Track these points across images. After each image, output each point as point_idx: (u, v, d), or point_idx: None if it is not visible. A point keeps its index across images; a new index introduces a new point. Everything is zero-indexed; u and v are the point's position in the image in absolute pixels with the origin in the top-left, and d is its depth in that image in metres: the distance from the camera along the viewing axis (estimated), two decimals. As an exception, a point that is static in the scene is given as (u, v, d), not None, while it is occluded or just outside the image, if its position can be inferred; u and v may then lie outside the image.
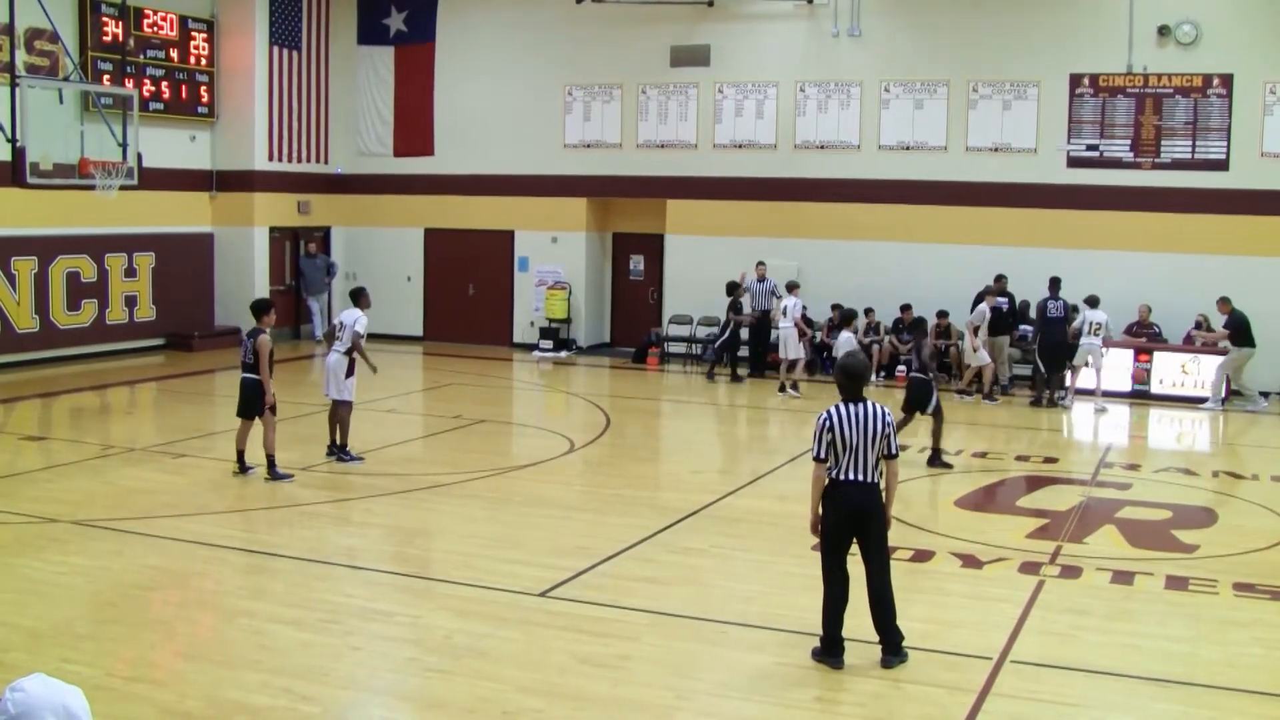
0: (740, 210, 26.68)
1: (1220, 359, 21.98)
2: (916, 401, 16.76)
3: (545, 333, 27.79)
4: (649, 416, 21.63)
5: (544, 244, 28.48)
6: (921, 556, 11.99)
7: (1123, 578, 11.51)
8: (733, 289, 24.22)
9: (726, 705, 8.37)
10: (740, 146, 26.82)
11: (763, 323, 24.23)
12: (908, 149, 25.58)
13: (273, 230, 28.42)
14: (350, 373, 15.79)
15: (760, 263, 24.40)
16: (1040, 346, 21.94)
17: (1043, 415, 21.10)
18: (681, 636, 9.68)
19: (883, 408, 9.06)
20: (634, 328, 28.33)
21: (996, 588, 11.19)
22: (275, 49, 27.84)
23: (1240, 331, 21.75)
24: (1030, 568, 11.73)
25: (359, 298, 16.32)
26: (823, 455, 8.95)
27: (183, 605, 10.45)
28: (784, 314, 22.89)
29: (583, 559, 11.58)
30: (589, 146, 28.03)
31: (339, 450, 15.88)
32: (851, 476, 8.90)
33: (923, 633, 9.37)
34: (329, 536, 12.59)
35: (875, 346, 24.21)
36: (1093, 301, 21.57)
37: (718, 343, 24.98)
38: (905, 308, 24.22)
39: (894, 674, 8.87)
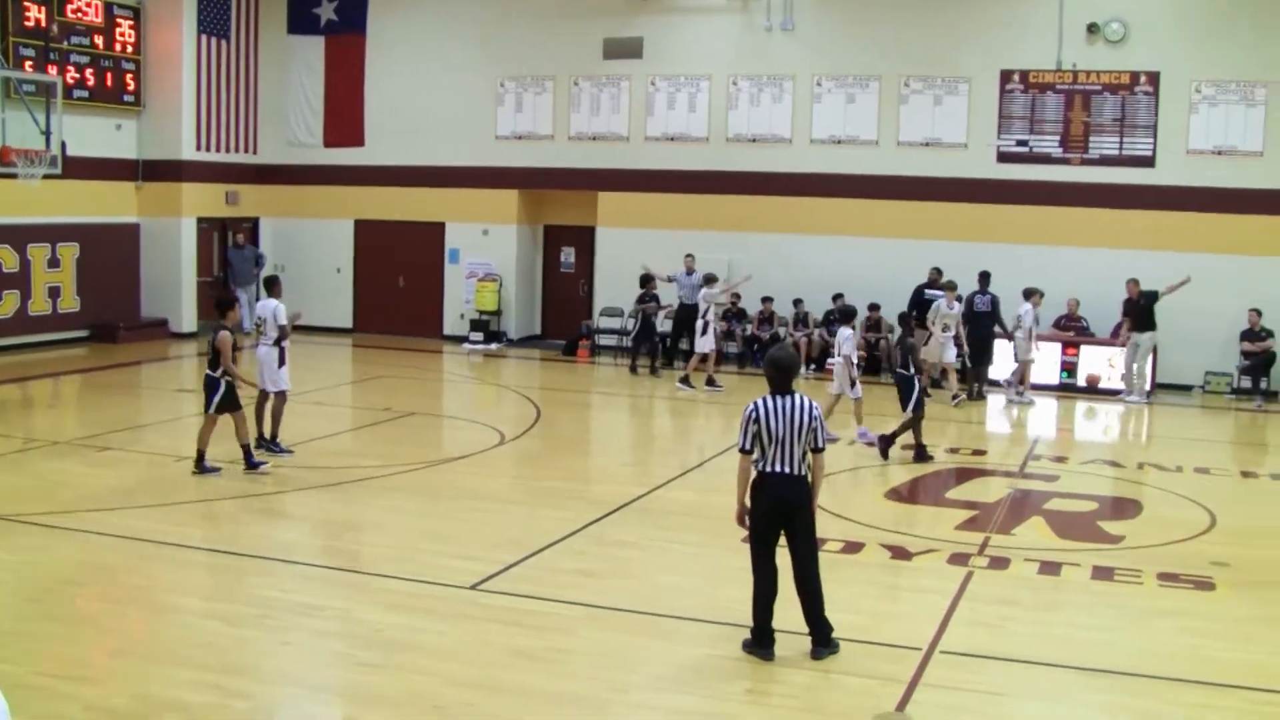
0: (672, 203, 26.72)
1: (1115, 349, 22.57)
2: (901, 399, 16.90)
3: (476, 325, 27.72)
4: (580, 409, 21.63)
5: (475, 236, 28.38)
6: (851, 548, 12.07)
7: (1050, 568, 11.65)
8: (645, 281, 24.13)
9: (660, 697, 8.40)
10: (672, 139, 26.86)
11: (690, 315, 24.17)
12: (839, 143, 25.72)
13: (200, 221, 28.14)
14: (282, 363, 15.76)
15: (689, 255, 24.40)
16: (967, 340, 22.08)
17: (972, 408, 21.30)
18: (614, 629, 9.70)
19: (810, 401, 9.09)
20: (565, 320, 28.33)
21: (926, 579, 11.29)
22: (203, 37, 27.55)
23: (1145, 315, 22.22)
24: (959, 559, 11.84)
25: (273, 286, 16.33)
26: (748, 447, 8.98)
27: (111, 601, 10.31)
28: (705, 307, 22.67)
29: (515, 552, 11.57)
30: (521, 138, 27.96)
31: (268, 442, 15.76)
32: (778, 469, 8.94)
33: (853, 624, 9.44)
34: (260, 531, 12.50)
35: (805, 339, 24.37)
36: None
37: (632, 336, 24.97)
38: (837, 297, 24.43)
39: (824, 665, 8.94)
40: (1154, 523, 13.81)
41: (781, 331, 25.04)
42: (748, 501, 9.15)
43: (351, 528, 13.02)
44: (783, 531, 9.08)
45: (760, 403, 8.97)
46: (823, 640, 9.07)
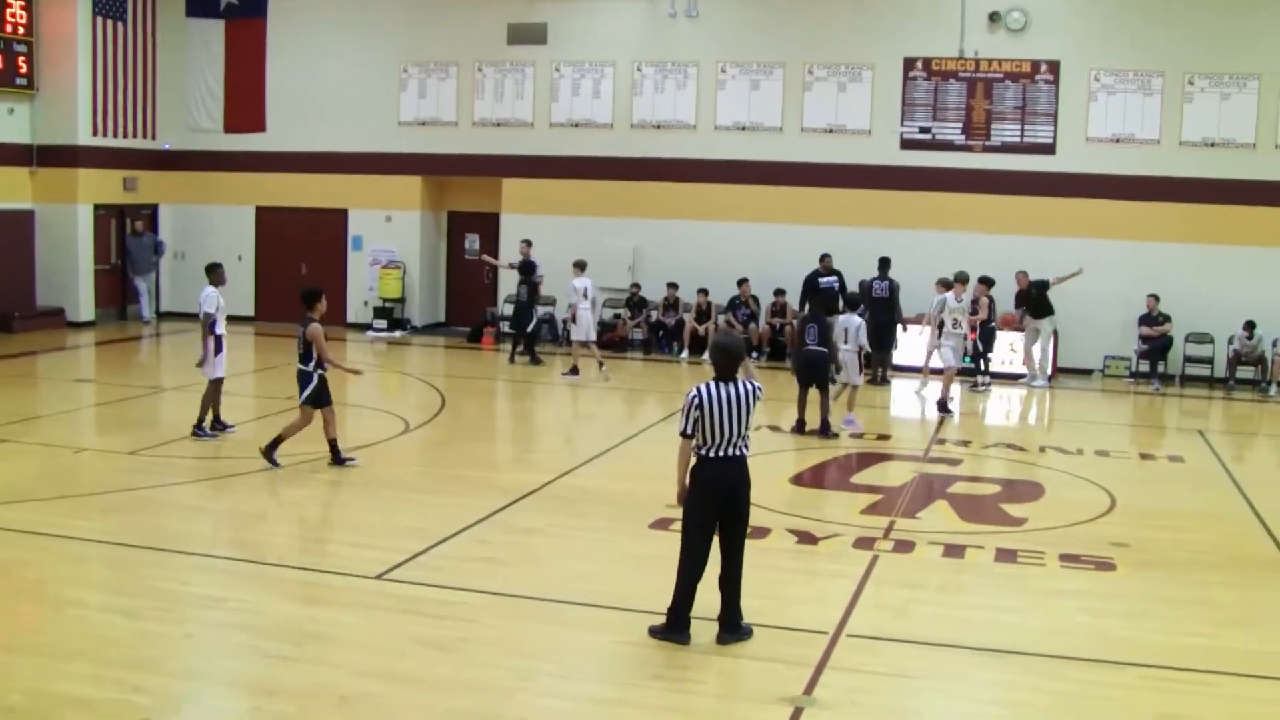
0: (577, 189, 26.67)
1: (1016, 335, 22.90)
2: (815, 375, 17.31)
3: (379, 312, 27.50)
4: (485, 396, 21.53)
5: (378, 223, 28.16)
6: (758, 534, 12.08)
7: (954, 551, 11.78)
8: (527, 269, 23.90)
9: (567, 685, 8.39)
10: (577, 125, 26.81)
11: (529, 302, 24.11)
12: (744, 129, 25.81)
13: (98, 208, 27.62)
14: (218, 350, 15.78)
15: (526, 241, 24.20)
16: (866, 326, 22.20)
17: (875, 393, 21.46)
18: (521, 617, 9.67)
19: (752, 385, 9.12)
20: (469, 307, 28.21)
21: (832, 563, 11.38)
22: (99, 19, 27.01)
23: (1040, 303, 22.59)
24: (865, 543, 11.94)
25: (212, 273, 16.23)
26: (689, 431, 8.98)
27: (5, 595, 10.08)
28: (584, 295, 22.42)
29: (420, 540, 11.50)
30: (424, 124, 27.77)
31: (215, 420, 15.87)
32: (721, 454, 8.95)
33: (760, 608, 9.47)
34: (161, 522, 12.28)
35: (710, 325, 24.48)
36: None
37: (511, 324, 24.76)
38: (741, 282, 24.63)
39: (732, 650, 8.97)
40: (1056, 505, 14.00)
41: (686, 318, 25.10)
42: (688, 483, 9.12)
43: (255, 518, 12.86)
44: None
45: (704, 388, 8.98)
46: (732, 627, 9.12)
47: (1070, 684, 8.62)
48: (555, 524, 12.53)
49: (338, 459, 14.57)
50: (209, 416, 15.95)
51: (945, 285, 20.64)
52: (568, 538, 12.14)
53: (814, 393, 17.54)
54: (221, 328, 16.02)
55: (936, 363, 20.29)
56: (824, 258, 23.18)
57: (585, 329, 22.26)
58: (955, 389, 20.46)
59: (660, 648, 8.97)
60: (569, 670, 8.63)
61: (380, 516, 12.59)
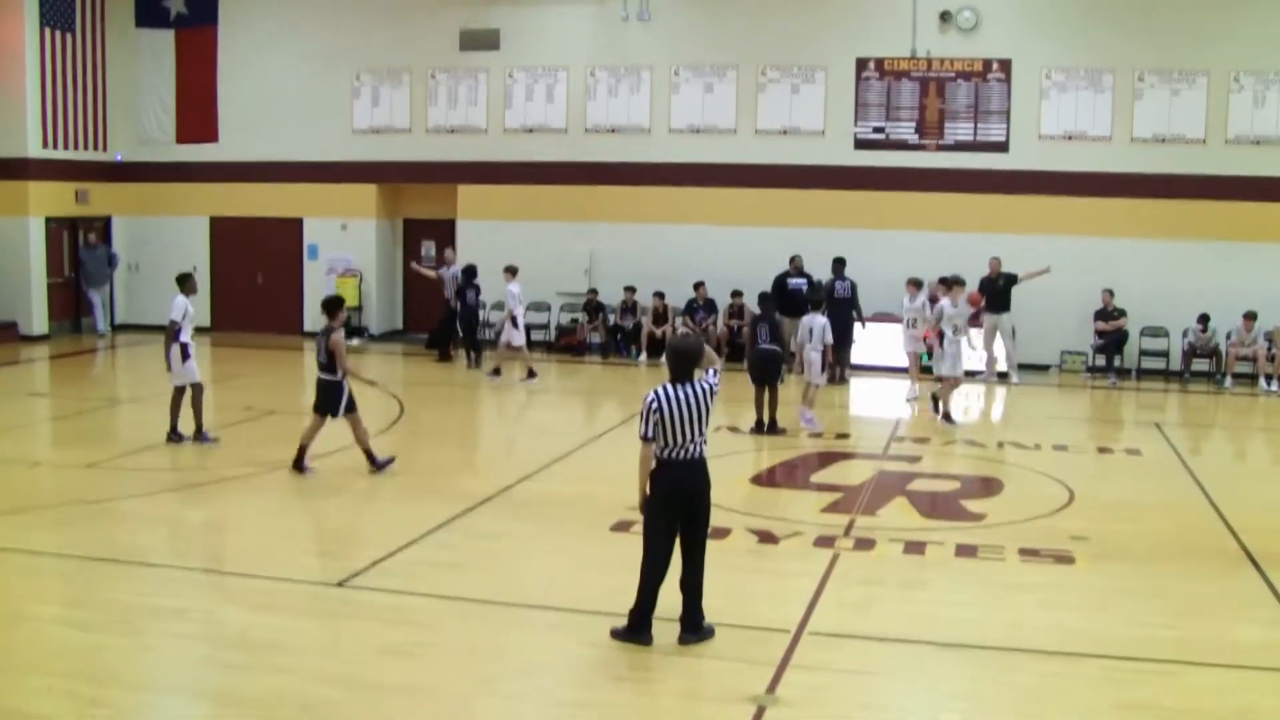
0: (532, 194, 26.65)
1: (979, 330, 22.96)
2: (768, 374, 17.48)
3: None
4: (444, 403, 21.45)
5: (334, 231, 28.05)
6: (718, 534, 12.05)
7: (914, 548, 11.82)
8: (471, 273, 23.97)
9: (530, 689, 8.36)
10: (531, 131, 26.78)
11: (452, 307, 24.35)
12: (698, 132, 25.85)
13: (49, 220, 27.38)
14: (184, 357, 15.89)
15: (449, 248, 24.17)
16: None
17: (834, 392, 21.50)
18: (483, 622, 9.64)
19: (706, 384, 9.13)
20: (427, 314, 28.08)
21: (793, 562, 11.39)
22: (47, 30, 26.76)
23: (1002, 296, 22.70)
24: (825, 541, 11.96)
25: (183, 283, 16.32)
26: (649, 435, 8.96)
27: (-41, 610, 9.99)
28: (516, 301, 22.38)
29: (380, 547, 11.44)
30: (378, 132, 27.68)
31: (171, 432, 16.01)
32: (681, 456, 8.98)
33: (722, 608, 9.47)
34: (117, 534, 12.16)
35: (667, 329, 24.49)
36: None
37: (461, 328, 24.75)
38: (698, 285, 24.66)
39: (695, 650, 8.96)
40: (1015, 500, 14.08)
41: (644, 321, 25.10)
42: (649, 489, 9.11)
43: (213, 529, 12.79)
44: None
45: (660, 391, 8.99)
46: (693, 627, 9.12)
47: (1031, 676, 8.66)
48: (516, 528, 12.51)
49: (376, 464, 14.74)
50: (186, 424, 15.96)
51: (916, 285, 20.95)
52: (529, 542, 12.12)
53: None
54: (187, 335, 16.02)
55: (943, 369, 18.94)
56: (794, 259, 23.35)
57: (520, 334, 22.32)
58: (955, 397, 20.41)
59: (623, 649, 8.95)
60: (531, 674, 8.60)
61: (341, 524, 12.56)
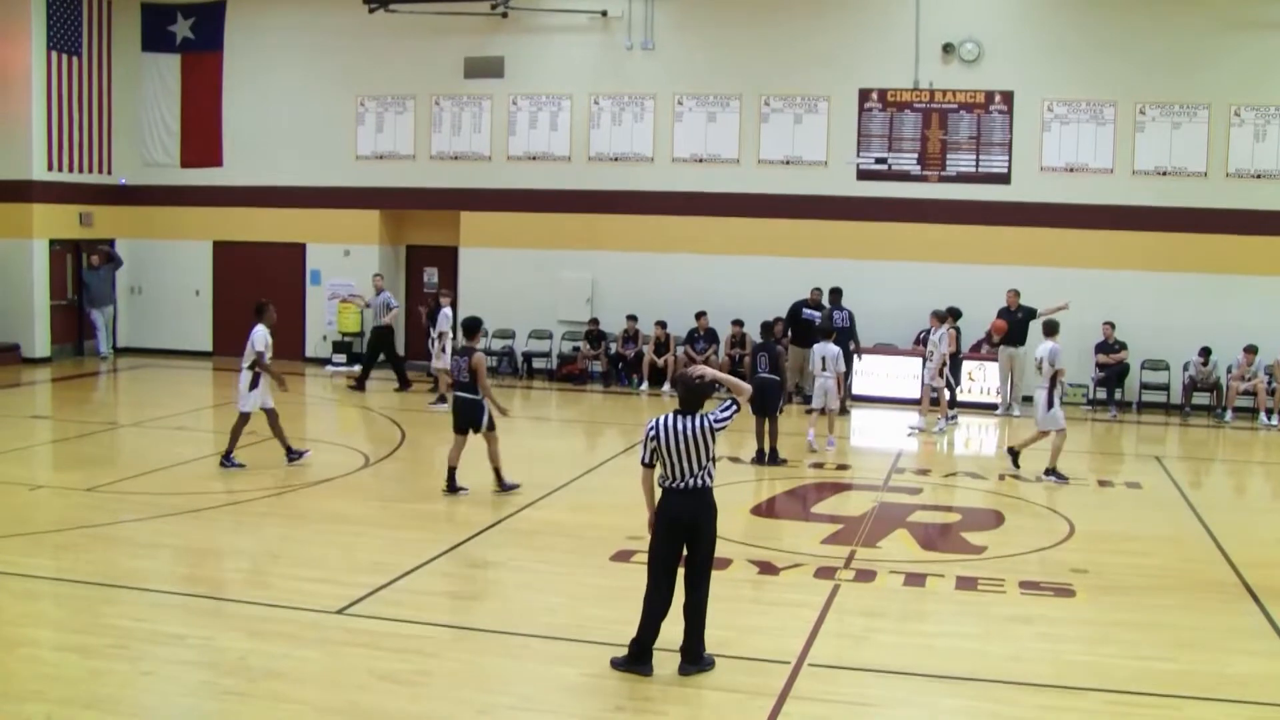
0: (535, 222, 26.70)
1: (1009, 366, 22.87)
2: (768, 404, 17.58)
3: (338, 347, 27.42)
4: (445, 430, 21.33)
5: (336, 257, 28.09)
6: (719, 564, 12.00)
7: (915, 580, 11.81)
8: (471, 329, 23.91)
9: (529, 718, 8.35)
10: (534, 158, 26.85)
11: (383, 334, 24.41)
12: (701, 161, 25.92)
13: (53, 243, 27.43)
14: (253, 385, 16.25)
15: (377, 274, 24.19)
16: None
17: (835, 423, 21.45)
18: (482, 650, 9.63)
19: (706, 418, 9.17)
20: (428, 341, 28.09)
21: (793, 593, 11.37)
22: (54, 54, 26.88)
23: (1021, 329, 22.68)
24: (825, 572, 11.95)
25: (261, 313, 16.65)
26: (649, 461, 9.20)
27: (-41, 635, 9.97)
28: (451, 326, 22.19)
29: (381, 575, 11.44)
30: (381, 158, 27.76)
31: (225, 457, 16.29)
32: (680, 485, 9.10)
33: (722, 639, 9.47)
34: (116, 559, 12.17)
35: (669, 357, 24.52)
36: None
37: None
38: (699, 315, 24.65)
39: (694, 681, 8.96)
40: (1015, 532, 14.07)
41: (645, 350, 25.11)
42: (654, 516, 9.27)
43: (213, 554, 12.77)
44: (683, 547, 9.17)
45: (660, 420, 9.16)
46: (693, 658, 9.14)
47: (1031, 710, 8.64)
48: (516, 557, 12.50)
49: (504, 486, 15.26)
50: (229, 445, 16.37)
51: (940, 318, 21.13)
52: (529, 571, 12.10)
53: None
54: (246, 363, 16.46)
55: (1042, 420, 17.42)
56: (814, 291, 23.36)
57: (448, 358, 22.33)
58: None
59: (623, 679, 8.95)
60: (531, 703, 8.59)
61: (340, 551, 12.52)
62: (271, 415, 16.47)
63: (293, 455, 16.64)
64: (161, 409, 20.65)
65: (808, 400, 22.41)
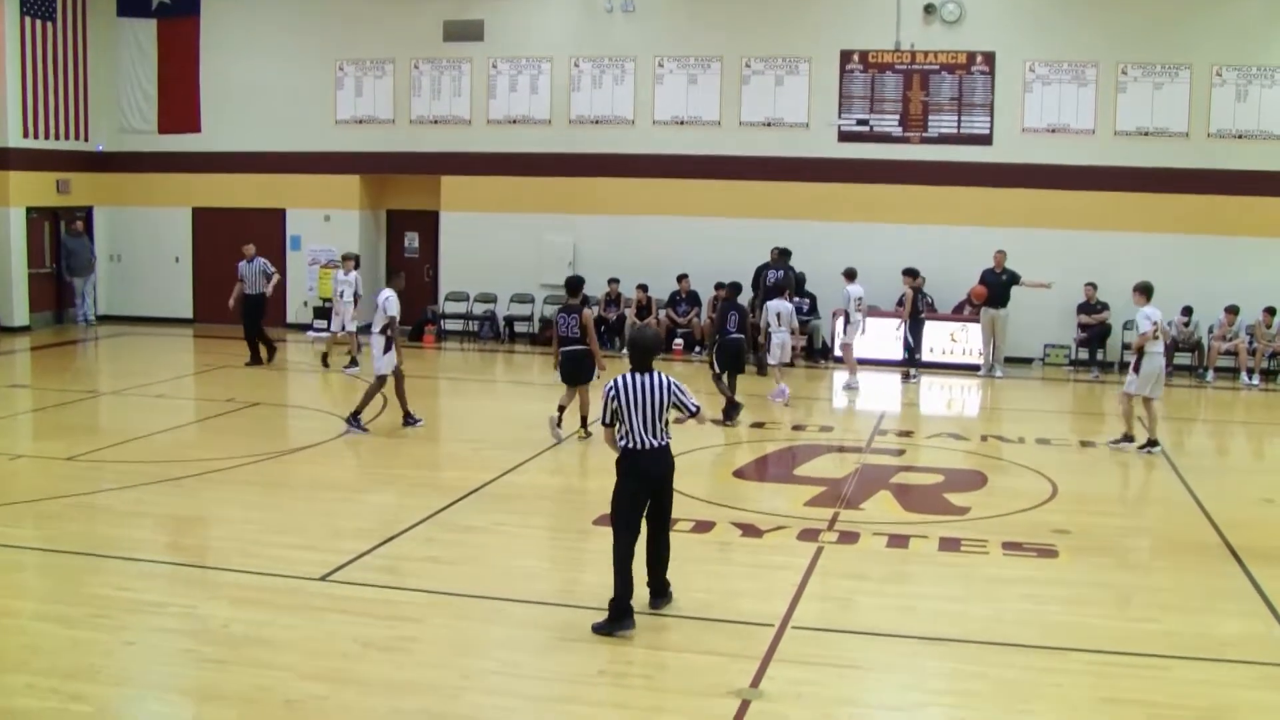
0: (516, 186, 26.60)
1: (991, 327, 22.93)
2: (738, 363, 18.06)
3: (319, 312, 27.30)
4: (426, 395, 21.37)
5: (316, 222, 27.96)
6: (702, 527, 12.11)
7: (898, 541, 11.82)
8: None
9: (513, 683, 8.34)
10: (515, 122, 26.73)
11: (253, 301, 23.04)
12: (682, 123, 25.82)
13: (30, 210, 27.23)
14: (387, 349, 16.56)
15: (248, 245, 23.57)
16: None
17: (820, 385, 21.52)
18: (466, 616, 9.62)
19: (668, 377, 9.50)
20: (410, 306, 27.91)
21: (777, 555, 11.37)
22: (27, 19, 26.59)
23: (1004, 291, 22.74)
24: (809, 535, 11.95)
25: (392, 277, 17.52)
26: (609, 421, 9.43)
27: (-62, 605, 9.92)
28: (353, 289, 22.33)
29: (363, 541, 11.41)
30: (361, 123, 27.60)
31: (351, 419, 16.72)
32: (642, 444, 9.32)
33: (705, 602, 9.48)
34: (98, 528, 12.10)
35: (652, 320, 24.51)
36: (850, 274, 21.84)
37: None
38: (681, 278, 24.65)
39: (678, 644, 8.99)
40: (998, 493, 14.10)
41: (627, 313, 25.08)
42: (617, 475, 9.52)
43: (195, 522, 12.72)
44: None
45: (619, 380, 9.43)
46: (660, 592, 9.64)
47: (1016, 671, 8.66)
48: (499, 522, 12.47)
49: (587, 430, 16.32)
50: (359, 405, 16.82)
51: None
52: (511, 536, 12.09)
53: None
54: (378, 327, 16.74)
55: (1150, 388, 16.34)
56: (773, 251, 23.40)
57: (335, 321, 22.69)
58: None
59: (605, 643, 8.94)
60: (514, 668, 8.58)
61: (323, 518, 12.49)
62: (399, 377, 16.88)
63: (409, 420, 17.00)
64: (141, 377, 20.53)
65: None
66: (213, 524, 12.70)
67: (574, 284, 16.58)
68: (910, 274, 21.73)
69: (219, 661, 8.58)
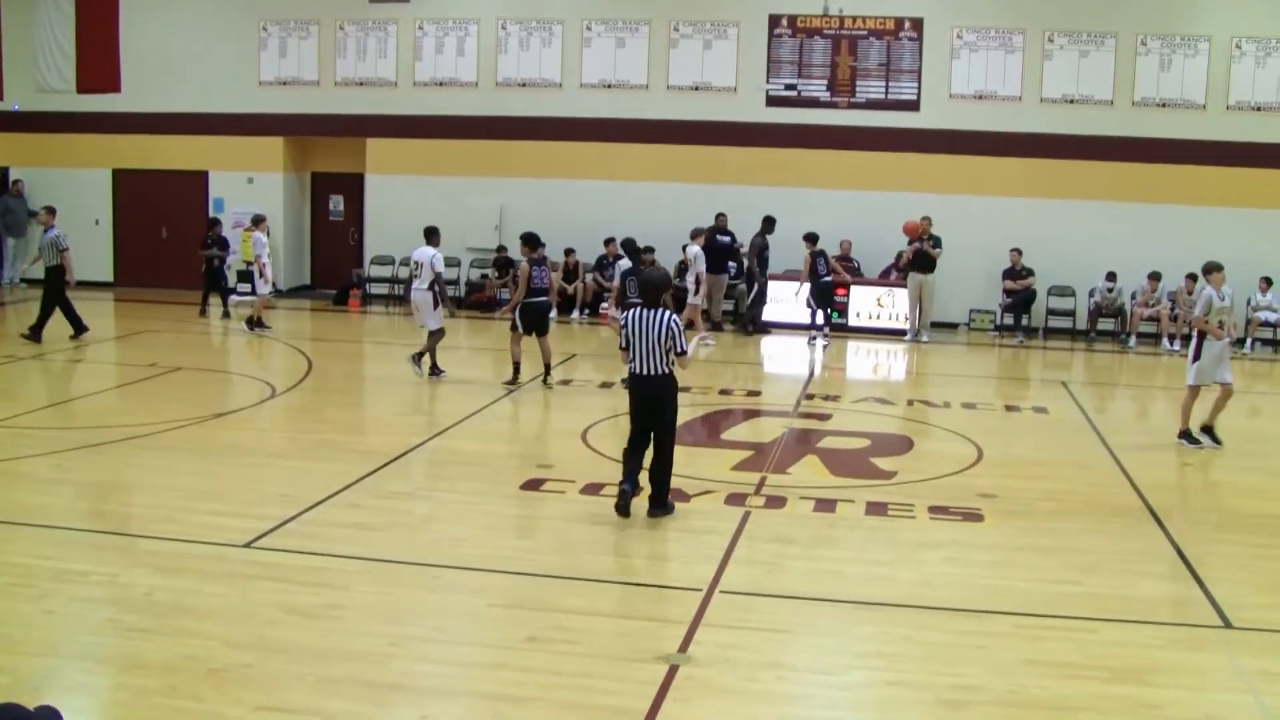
0: (442, 149, 26.43)
1: (918, 292, 23.08)
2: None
3: (243, 276, 26.98)
4: (352, 360, 21.27)
5: (240, 185, 27.65)
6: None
7: (825, 506, 11.86)
8: (211, 225, 24.82)
9: (441, 650, 8.28)
10: (441, 84, 26.52)
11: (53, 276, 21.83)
12: (609, 87, 25.73)
13: (-56, 172, 26.74)
14: (437, 304, 17.88)
15: (46, 208, 22.88)
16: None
17: (748, 349, 21.56)
18: (393, 583, 9.54)
19: (671, 316, 11.02)
20: (335, 269, 27.84)
21: (704, 520, 11.37)
22: (-59, -24, 26.08)
23: (929, 257, 22.91)
24: (736, 499, 11.97)
25: (431, 236, 18.22)
26: (624, 345, 11.18)
27: None
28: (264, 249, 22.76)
29: (288, 507, 11.29)
30: (285, 84, 27.27)
31: (432, 368, 18.06)
32: (642, 370, 11.08)
33: (633, 567, 9.49)
34: (16, 495, 11.88)
35: (579, 284, 24.45)
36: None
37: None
38: (608, 241, 24.59)
39: (607, 609, 9.00)
40: (924, 458, 14.21)
41: (554, 278, 24.97)
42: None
43: (117, 489, 12.54)
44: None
45: (630, 313, 11.18)
46: (660, 502, 11.15)
47: (943, 634, 8.71)
48: (426, 488, 12.41)
49: (550, 379, 17.73)
50: (431, 359, 18.09)
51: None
52: (439, 501, 12.02)
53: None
54: (424, 284, 17.94)
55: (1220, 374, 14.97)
56: (719, 216, 23.46)
57: (261, 284, 22.77)
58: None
59: (535, 610, 8.90)
60: (443, 634, 8.53)
61: (248, 484, 12.35)
62: (439, 334, 18.08)
63: (435, 371, 18.06)
64: (61, 341, 20.20)
65: (716, 326, 22.56)
66: (135, 490, 12.52)
67: (534, 238, 17.40)
68: (809, 239, 21.93)
69: (142, 630, 8.46)
